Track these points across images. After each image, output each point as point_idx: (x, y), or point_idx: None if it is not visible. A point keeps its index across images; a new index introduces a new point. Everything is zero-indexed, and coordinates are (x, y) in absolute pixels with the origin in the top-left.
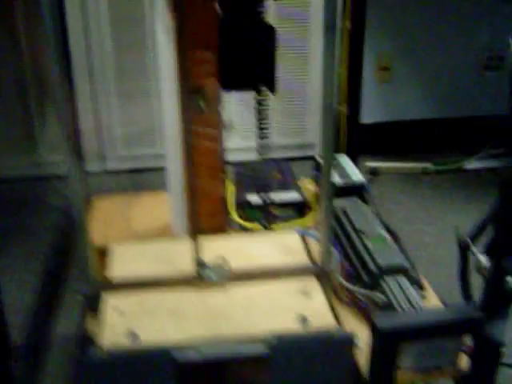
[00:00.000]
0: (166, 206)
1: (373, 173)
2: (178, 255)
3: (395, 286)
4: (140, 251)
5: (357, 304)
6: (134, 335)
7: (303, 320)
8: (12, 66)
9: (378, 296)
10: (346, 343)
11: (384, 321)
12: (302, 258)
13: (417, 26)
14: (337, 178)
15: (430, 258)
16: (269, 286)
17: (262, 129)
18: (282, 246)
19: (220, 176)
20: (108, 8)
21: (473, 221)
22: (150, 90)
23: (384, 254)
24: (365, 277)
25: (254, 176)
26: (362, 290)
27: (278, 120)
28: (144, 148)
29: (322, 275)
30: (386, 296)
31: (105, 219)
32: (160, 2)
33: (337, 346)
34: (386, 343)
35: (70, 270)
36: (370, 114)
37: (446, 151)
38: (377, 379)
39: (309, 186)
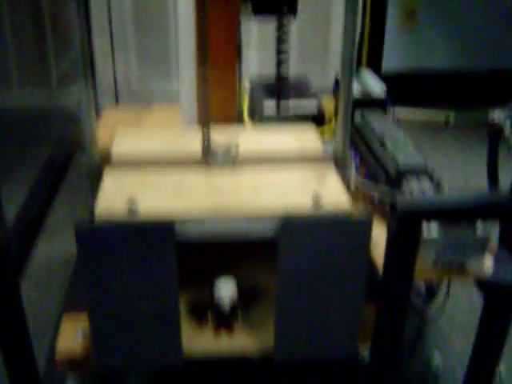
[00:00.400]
0: (177, 116)
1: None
2: (185, 140)
3: (416, 185)
4: (146, 136)
5: (374, 205)
6: (132, 206)
7: (316, 200)
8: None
9: (398, 194)
10: (362, 225)
11: (404, 200)
12: (317, 148)
13: None
14: (357, 91)
15: None
16: (281, 170)
17: (280, 53)
18: (297, 136)
19: (234, 67)
20: None
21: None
22: (169, 21)
23: (405, 155)
24: (384, 176)
25: (270, 85)
26: (382, 188)
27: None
28: (158, 83)
29: (338, 163)
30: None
31: (112, 126)
32: None
33: (352, 227)
34: (406, 223)
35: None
36: (394, 61)
37: (468, 103)
38: (393, 270)
39: (327, 101)
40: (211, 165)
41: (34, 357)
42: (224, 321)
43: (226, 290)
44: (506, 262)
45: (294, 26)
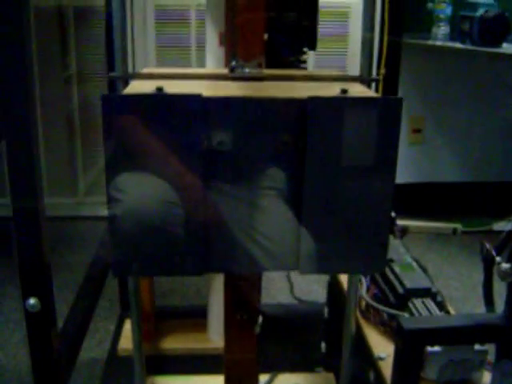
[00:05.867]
0: None
1: (402, 231)
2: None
3: (422, 307)
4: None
5: (384, 325)
6: (160, 89)
7: (345, 90)
8: (63, 110)
9: (405, 316)
10: (392, 103)
11: (410, 322)
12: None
13: (450, 92)
14: None
15: (457, 311)
16: (308, 82)
17: None
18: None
19: None
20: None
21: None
22: None
23: (411, 278)
24: (392, 299)
25: None
26: (390, 310)
27: None
28: None
29: (364, 82)
30: (413, 316)
31: None
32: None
33: (382, 106)
34: (411, 344)
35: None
36: (402, 175)
37: (475, 213)
38: None
39: None
40: (239, 75)
41: None
42: None
43: None
44: (502, 377)
45: None
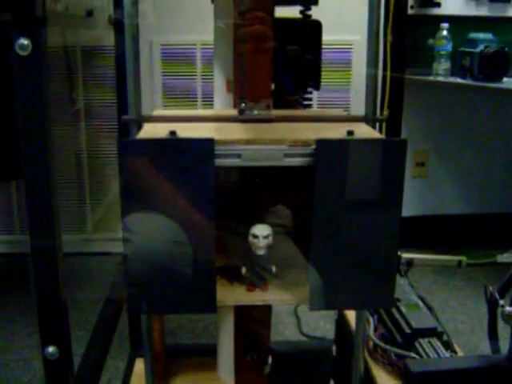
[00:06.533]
0: None
1: (408, 264)
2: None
3: (428, 347)
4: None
5: (391, 365)
6: (173, 133)
7: (351, 132)
8: (71, 147)
9: (412, 356)
10: (398, 146)
11: (417, 365)
12: (349, 114)
13: (452, 125)
14: None
15: (464, 345)
16: (316, 123)
17: None
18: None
19: None
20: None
21: None
22: None
23: (418, 317)
24: (399, 338)
25: None
26: (397, 350)
27: None
28: None
29: (368, 121)
30: (420, 356)
31: None
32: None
33: (389, 149)
34: None
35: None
36: (406, 208)
37: (479, 245)
38: None
39: None
40: (248, 117)
41: None
42: (258, 273)
43: (261, 230)
44: None
45: None
